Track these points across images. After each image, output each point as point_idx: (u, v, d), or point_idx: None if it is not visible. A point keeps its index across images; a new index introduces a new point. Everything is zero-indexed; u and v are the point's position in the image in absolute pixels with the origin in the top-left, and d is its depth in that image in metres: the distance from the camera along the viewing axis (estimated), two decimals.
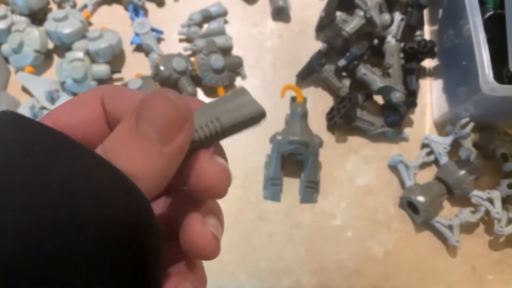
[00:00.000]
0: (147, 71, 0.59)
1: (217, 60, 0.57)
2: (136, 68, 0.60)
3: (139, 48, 0.61)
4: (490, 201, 0.56)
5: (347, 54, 0.58)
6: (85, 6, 0.61)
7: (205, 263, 0.20)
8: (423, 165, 0.60)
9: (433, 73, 0.64)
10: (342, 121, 0.57)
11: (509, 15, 0.46)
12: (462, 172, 0.56)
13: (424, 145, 0.60)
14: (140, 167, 0.16)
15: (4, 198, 0.13)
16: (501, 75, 0.53)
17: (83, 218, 0.14)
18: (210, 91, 0.60)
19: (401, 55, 0.61)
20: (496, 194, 0.56)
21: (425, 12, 0.67)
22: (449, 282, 0.56)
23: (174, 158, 0.17)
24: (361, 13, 0.60)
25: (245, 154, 0.58)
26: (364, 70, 0.58)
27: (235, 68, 0.60)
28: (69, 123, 0.18)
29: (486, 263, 0.57)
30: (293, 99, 0.57)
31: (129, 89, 0.20)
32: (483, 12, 0.54)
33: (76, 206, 0.14)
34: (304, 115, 0.56)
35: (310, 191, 0.56)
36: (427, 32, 0.66)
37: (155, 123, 0.16)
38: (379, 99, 0.61)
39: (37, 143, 0.15)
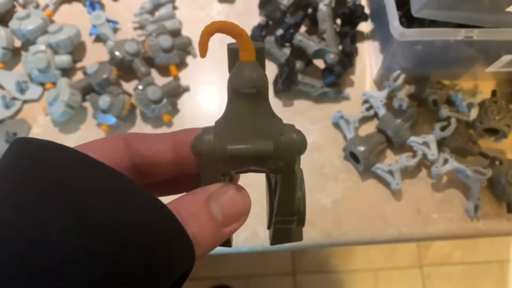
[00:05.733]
0: (106, 58, 0.64)
1: (165, 40, 0.63)
2: (96, 56, 0.66)
3: (98, 38, 0.68)
4: (427, 145, 0.60)
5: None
6: (47, 6, 0.68)
7: None
8: (365, 120, 0.64)
9: (370, 36, 0.69)
10: (284, 85, 0.62)
11: None
12: (398, 120, 0.61)
13: (364, 102, 0.65)
14: (200, 236, 0.18)
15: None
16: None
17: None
18: (163, 70, 0.65)
19: (338, 21, 0.67)
20: (430, 138, 0.60)
21: None
22: (397, 225, 0.60)
23: (224, 238, 0.20)
24: None
25: None
26: (300, 37, 0.63)
27: (184, 47, 0.66)
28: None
29: (431, 204, 0.61)
30: (232, 54, 0.21)
31: (149, 134, 0.22)
32: None
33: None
34: (264, 94, 0.21)
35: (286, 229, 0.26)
36: None
37: (226, 209, 0.20)
38: (320, 64, 0.66)
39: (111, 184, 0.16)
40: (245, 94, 0.20)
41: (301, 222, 0.24)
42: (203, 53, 0.19)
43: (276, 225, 0.24)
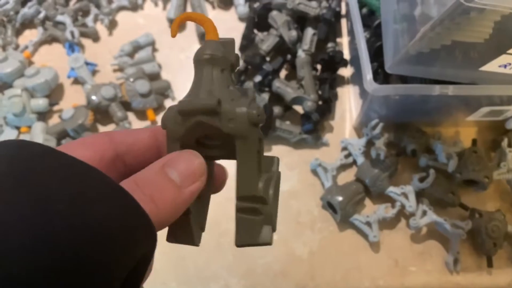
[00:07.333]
0: (84, 100, 0.64)
1: (143, 85, 0.62)
2: (74, 99, 0.66)
3: (76, 81, 0.67)
4: (405, 196, 0.59)
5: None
6: (26, 47, 0.68)
7: None
8: (344, 167, 0.63)
9: (350, 80, 0.68)
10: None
11: (384, 22, 0.51)
12: (376, 170, 0.59)
13: (343, 149, 0.64)
14: (159, 196, 0.20)
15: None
16: (405, 80, 0.57)
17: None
18: (140, 114, 0.65)
19: (319, 66, 0.66)
20: (409, 189, 0.59)
21: (344, 24, 0.72)
22: (373, 277, 0.59)
23: (187, 199, 0.21)
24: (275, 32, 0.65)
25: None
26: (278, 84, 0.62)
27: (163, 91, 0.65)
28: (84, 157, 0.20)
29: (409, 256, 0.60)
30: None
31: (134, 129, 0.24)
32: (372, 21, 0.58)
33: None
34: (218, 62, 0.23)
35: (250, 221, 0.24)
36: (346, 43, 0.71)
37: (181, 170, 0.21)
38: (300, 109, 0.65)
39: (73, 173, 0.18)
40: (200, 61, 0.23)
41: (269, 220, 0.23)
42: (173, 33, 0.24)
43: (239, 213, 0.23)
